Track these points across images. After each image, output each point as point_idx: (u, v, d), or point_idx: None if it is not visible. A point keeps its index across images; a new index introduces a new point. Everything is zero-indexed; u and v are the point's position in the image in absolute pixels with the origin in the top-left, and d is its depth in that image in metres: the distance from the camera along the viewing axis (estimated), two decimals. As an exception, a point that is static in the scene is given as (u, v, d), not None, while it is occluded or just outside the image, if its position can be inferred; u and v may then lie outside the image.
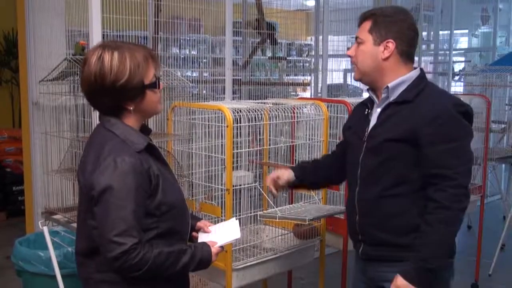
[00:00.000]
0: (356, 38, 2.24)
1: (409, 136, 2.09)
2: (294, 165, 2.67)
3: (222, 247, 2.08)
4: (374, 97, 2.27)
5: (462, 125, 2.10)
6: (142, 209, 1.80)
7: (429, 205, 2.06)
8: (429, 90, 2.18)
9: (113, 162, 1.77)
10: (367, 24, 2.21)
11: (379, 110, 2.23)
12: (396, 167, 2.13)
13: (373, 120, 2.24)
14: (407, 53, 2.20)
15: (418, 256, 2.05)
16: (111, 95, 1.83)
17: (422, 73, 2.24)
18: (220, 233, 2.15)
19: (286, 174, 2.51)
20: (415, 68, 2.25)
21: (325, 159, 2.67)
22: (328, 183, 2.80)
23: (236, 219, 2.29)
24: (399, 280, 2.06)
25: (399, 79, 2.18)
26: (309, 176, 2.56)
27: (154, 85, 1.89)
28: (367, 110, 2.30)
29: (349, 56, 2.28)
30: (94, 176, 1.79)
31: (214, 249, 2.01)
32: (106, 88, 1.81)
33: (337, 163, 2.49)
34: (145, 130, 2.01)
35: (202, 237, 2.14)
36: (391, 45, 2.16)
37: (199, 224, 2.20)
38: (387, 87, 2.19)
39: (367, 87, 2.32)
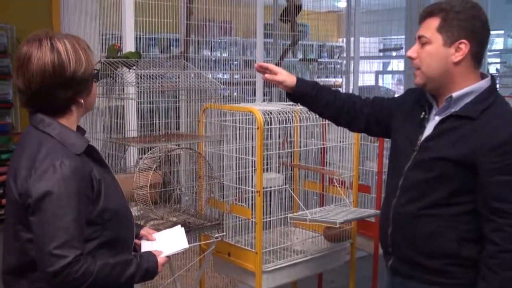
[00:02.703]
0: (420, 37, 1.95)
1: (465, 160, 1.85)
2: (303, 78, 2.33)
3: (168, 257, 1.94)
4: (434, 102, 2.01)
5: None
6: (84, 218, 1.64)
7: (488, 247, 1.85)
8: (498, 108, 1.89)
9: (52, 166, 1.59)
10: (435, 22, 1.91)
11: (437, 119, 1.97)
12: (442, 188, 1.91)
13: (428, 129, 1.99)
14: (479, 55, 1.92)
15: None
16: (70, 87, 1.68)
17: (493, 84, 1.95)
18: (165, 242, 2.04)
19: (288, 82, 2.24)
20: (483, 75, 1.96)
21: (348, 98, 2.33)
22: (326, 115, 2.41)
23: (182, 227, 2.17)
24: None
25: (466, 89, 1.91)
26: (312, 98, 2.27)
27: (97, 76, 1.81)
28: (423, 113, 2.03)
29: (410, 57, 1.98)
30: (30, 182, 1.60)
31: (160, 259, 1.86)
32: (66, 79, 1.66)
33: (354, 110, 2.25)
34: (80, 130, 1.84)
35: (145, 246, 2.01)
36: (464, 46, 1.88)
37: (142, 232, 2.07)
38: (451, 97, 1.91)
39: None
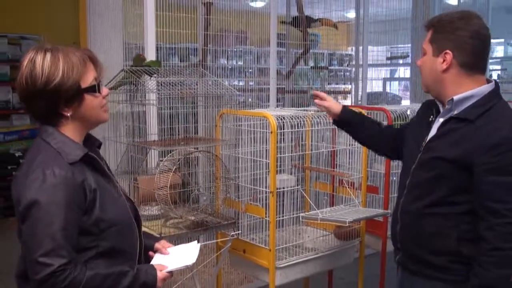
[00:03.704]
0: (422, 49, 2.03)
1: (462, 160, 1.85)
2: (348, 107, 2.44)
3: (171, 272, 1.79)
4: (441, 106, 2.03)
5: None
6: (74, 227, 1.55)
7: (481, 244, 1.85)
8: (496, 112, 1.88)
9: (42, 175, 1.52)
10: (429, 34, 1.98)
11: (441, 120, 1.99)
12: (442, 187, 1.92)
13: (433, 130, 2.02)
14: (470, 64, 1.91)
15: None
16: (44, 99, 1.59)
17: (495, 89, 1.94)
18: (176, 257, 1.89)
19: (334, 108, 2.36)
20: (489, 81, 1.96)
21: (378, 125, 2.43)
22: (367, 143, 2.52)
23: (198, 243, 2.02)
24: None
25: (467, 93, 1.91)
26: (355, 125, 2.38)
27: (93, 89, 1.66)
28: (431, 116, 2.07)
29: (418, 66, 2.06)
30: (21, 189, 1.55)
31: (160, 274, 1.73)
32: (38, 91, 1.58)
33: (383, 137, 2.35)
34: (92, 141, 1.78)
35: (157, 259, 1.88)
36: (448, 56, 1.91)
37: (157, 245, 1.93)
38: (452, 99, 1.93)
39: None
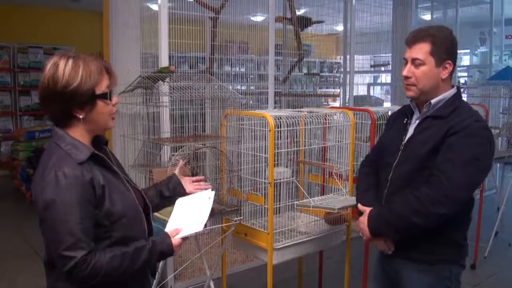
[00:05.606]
0: (414, 59, 1.94)
1: (435, 146, 1.87)
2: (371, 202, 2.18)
3: (184, 238, 1.73)
4: (417, 109, 2.04)
5: (482, 146, 1.84)
6: (89, 220, 1.51)
7: (415, 189, 1.87)
8: (463, 109, 1.94)
9: (55, 177, 1.48)
10: (426, 46, 1.92)
11: (418, 122, 2.01)
12: (418, 178, 1.92)
13: (410, 130, 2.02)
14: (453, 71, 1.98)
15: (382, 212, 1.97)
16: (61, 101, 1.54)
17: (459, 92, 2.00)
18: (188, 217, 1.80)
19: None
20: (452, 86, 2.02)
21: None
22: None
23: (211, 197, 1.94)
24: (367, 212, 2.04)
25: (441, 96, 1.95)
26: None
27: (105, 96, 1.60)
28: (406, 119, 2.07)
29: (406, 77, 1.97)
30: (37, 190, 1.51)
31: (175, 241, 1.69)
32: (57, 92, 1.53)
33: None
34: (100, 139, 1.72)
35: (170, 223, 1.79)
36: (449, 66, 1.93)
37: (178, 174, 2.08)
38: (430, 103, 1.96)
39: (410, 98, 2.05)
